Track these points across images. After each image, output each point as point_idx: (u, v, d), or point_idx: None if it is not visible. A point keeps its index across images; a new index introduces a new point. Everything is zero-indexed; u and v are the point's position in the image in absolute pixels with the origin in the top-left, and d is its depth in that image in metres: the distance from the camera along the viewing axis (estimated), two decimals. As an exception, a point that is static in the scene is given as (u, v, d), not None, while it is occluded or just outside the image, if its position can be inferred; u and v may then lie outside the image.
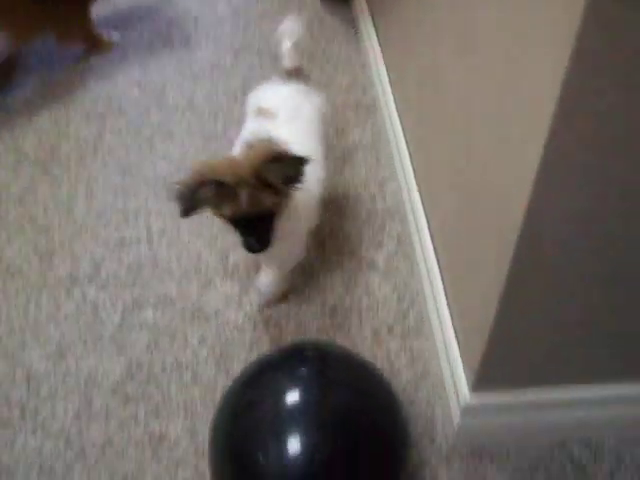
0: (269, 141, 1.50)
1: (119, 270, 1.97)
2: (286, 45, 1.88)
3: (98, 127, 2.41)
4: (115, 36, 2.75)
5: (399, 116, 2.21)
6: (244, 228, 1.54)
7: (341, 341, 1.80)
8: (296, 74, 1.89)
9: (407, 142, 2.11)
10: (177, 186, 1.44)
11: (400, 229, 2.06)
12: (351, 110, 2.46)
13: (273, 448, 1.28)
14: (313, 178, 1.63)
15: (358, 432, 1.33)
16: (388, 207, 2.12)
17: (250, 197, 1.46)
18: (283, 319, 1.86)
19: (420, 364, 1.77)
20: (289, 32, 1.89)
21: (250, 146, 1.53)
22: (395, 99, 2.27)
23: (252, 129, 1.73)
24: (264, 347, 1.80)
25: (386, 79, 2.37)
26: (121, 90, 2.55)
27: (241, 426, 1.33)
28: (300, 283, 1.93)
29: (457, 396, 1.58)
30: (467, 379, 1.55)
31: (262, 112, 1.76)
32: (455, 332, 1.65)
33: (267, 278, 1.83)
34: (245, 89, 2.49)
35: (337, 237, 2.05)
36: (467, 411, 1.55)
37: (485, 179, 1.39)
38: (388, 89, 2.33)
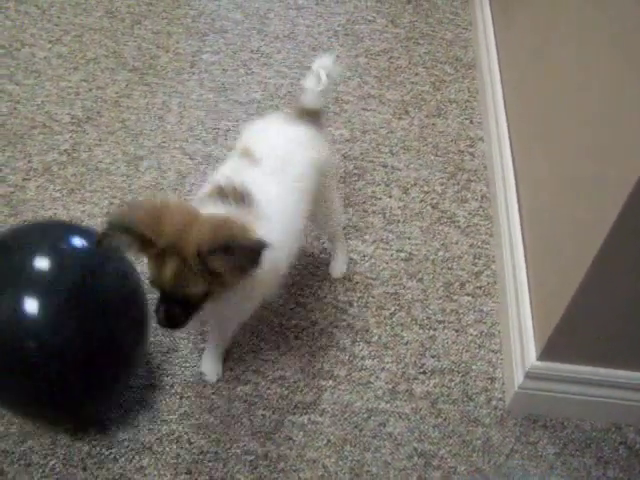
0: (226, 221, 1.22)
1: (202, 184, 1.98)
2: (317, 83, 1.56)
3: (198, 44, 2.41)
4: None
5: (501, 79, 2.17)
6: (161, 295, 1.25)
7: (412, 288, 1.81)
8: (311, 117, 1.58)
9: (506, 106, 2.08)
10: (112, 217, 1.23)
11: (485, 190, 2.05)
12: (450, 65, 2.43)
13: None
14: (281, 254, 1.36)
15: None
16: (476, 166, 2.10)
17: (177, 275, 1.18)
18: (357, 255, 1.86)
19: (487, 324, 1.76)
20: (327, 69, 1.56)
21: (217, 192, 1.33)
22: (499, 61, 2.23)
23: (230, 170, 1.43)
24: (337, 282, 1.81)
25: (492, 40, 2.33)
26: (224, 11, 2.55)
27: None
28: (379, 228, 1.93)
29: (522, 361, 1.57)
30: (535, 346, 1.55)
31: (246, 153, 1.45)
32: (530, 298, 1.64)
33: (210, 362, 1.63)
34: (347, 30, 2.48)
35: (421, 187, 2.03)
36: (530, 377, 1.55)
37: (586, 162, 1.37)
38: (493, 50, 2.29)
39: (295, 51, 2.42)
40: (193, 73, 2.31)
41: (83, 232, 1.46)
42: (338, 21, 2.54)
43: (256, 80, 2.30)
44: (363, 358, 1.69)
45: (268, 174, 1.41)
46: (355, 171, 2.06)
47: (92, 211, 1.91)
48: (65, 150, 2.05)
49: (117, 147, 2.07)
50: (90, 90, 2.23)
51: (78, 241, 1.42)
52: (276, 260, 1.32)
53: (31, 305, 1.28)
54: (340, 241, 1.83)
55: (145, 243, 1.17)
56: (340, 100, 2.25)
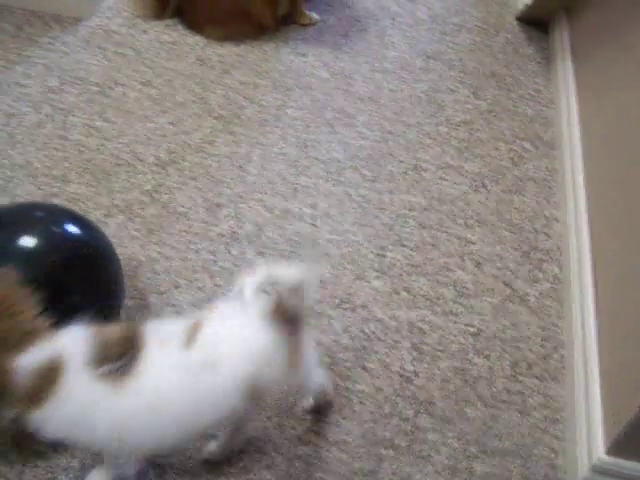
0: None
1: (279, 239, 2.01)
2: (241, 297, 1.30)
3: (283, 98, 2.46)
4: (315, 15, 2.80)
5: (583, 160, 2.17)
6: None
7: (478, 364, 1.80)
8: (285, 319, 1.31)
9: (586, 189, 2.08)
10: None
11: (558, 271, 2.03)
12: (529, 142, 2.43)
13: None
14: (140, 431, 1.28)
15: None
16: (550, 246, 2.10)
17: None
18: (426, 325, 1.86)
19: (552, 409, 1.74)
20: (257, 284, 1.30)
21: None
22: (582, 143, 2.23)
23: (164, 332, 1.31)
24: (404, 349, 1.81)
25: (575, 120, 2.33)
26: (311, 69, 2.60)
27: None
28: (450, 300, 1.93)
29: (589, 453, 1.55)
30: (604, 439, 1.52)
31: (193, 330, 1.28)
32: (601, 388, 1.61)
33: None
34: (430, 98, 2.50)
35: (494, 262, 2.03)
36: (596, 471, 1.52)
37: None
38: (576, 131, 2.29)
39: (377, 114, 2.45)
40: (276, 126, 2.35)
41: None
42: (421, 88, 2.57)
43: (337, 139, 2.33)
44: (425, 430, 1.68)
45: (183, 362, 1.26)
46: (429, 240, 2.07)
47: (169, 254, 1.95)
48: (147, 190, 2.10)
49: (197, 192, 2.11)
50: (176, 134, 2.28)
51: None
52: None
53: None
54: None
55: None
56: (419, 167, 2.26)
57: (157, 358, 1.25)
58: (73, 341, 1.25)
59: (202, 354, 1.26)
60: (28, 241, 1.52)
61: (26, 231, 1.53)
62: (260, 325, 1.28)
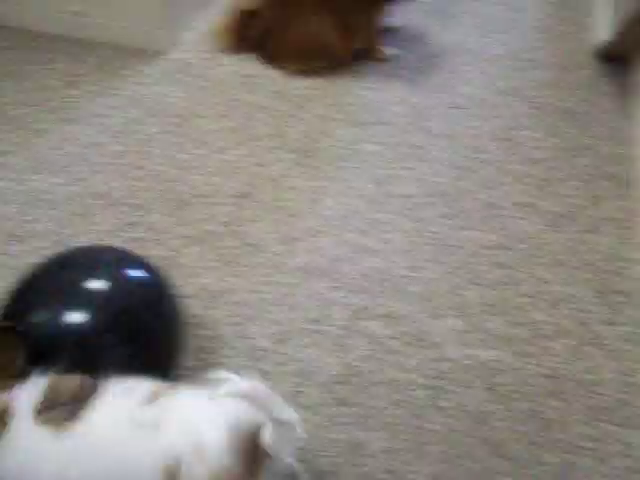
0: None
1: (353, 274, 2.02)
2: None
3: (359, 133, 2.47)
4: (391, 50, 2.82)
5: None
6: None
7: (553, 407, 1.77)
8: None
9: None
10: None
11: (637, 315, 1.99)
12: (607, 181, 2.40)
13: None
14: None
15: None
16: (629, 288, 2.05)
17: None
18: (501, 365, 1.84)
19: (633, 458, 1.70)
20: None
21: None
22: (663, 183, 2.19)
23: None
24: (478, 389, 1.79)
25: (656, 159, 2.29)
26: (386, 104, 2.61)
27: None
28: (523, 340, 1.90)
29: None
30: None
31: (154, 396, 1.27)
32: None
33: None
34: (506, 135, 2.49)
35: (570, 303, 2.00)
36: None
37: None
38: (657, 171, 2.25)
39: (453, 150, 2.44)
40: (352, 161, 2.36)
41: (139, 264, 1.64)
42: (498, 125, 2.56)
43: (413, 175, 2.33)
44: (498, 474, 1.65)
45: (129, 415, 1.24)
46: (504, 279, 2.05)
47: (244, 285, 1.97)
48: (224, 222, 2.13)
49: (273, 226, 2.13)
50: (252, 166, 2.31)
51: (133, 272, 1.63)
52: None
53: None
54: None
55: None
56: (495, 205, 2.25)
57: (106, 408, 1.25)
58: (28, 389, 1.28)
59: (151, 414, 1.23)
60: (95, 284, 1.55)
61: (93, 275, 1.57)
62: (221, 429, 1.21)
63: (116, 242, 2.03)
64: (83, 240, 2.04)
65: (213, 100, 2.57)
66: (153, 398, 1.25)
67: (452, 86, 2.72)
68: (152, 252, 2.00)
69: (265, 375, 1.77)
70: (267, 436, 1.23)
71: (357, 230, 2.14)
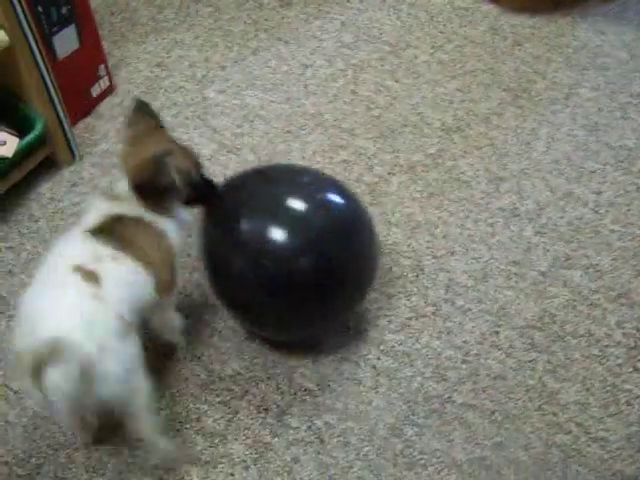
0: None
1: (559, 221, 1.97)
2: None
3: (576, 77, 2.38)
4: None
5: None
6: None
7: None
8: None
9: None
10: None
11: None
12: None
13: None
14: None
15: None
16: None
17: None
18: None
19: None
20: None
21: None
22: None
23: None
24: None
25: None
26: (609, 48, 2.48)
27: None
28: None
29: None
30: None
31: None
32: None
33: None
34: None
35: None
36: None
37: None
38: None
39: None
40: (567, 106, 2.28)
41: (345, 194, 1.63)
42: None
43: (631, 126, 2.22)
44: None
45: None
46: None
47: (447, 219, 1.97)
48: (431, 154, 2.13)
49: (481, 163, 2.10)
50: (463, 101, 2.28)
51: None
52: None
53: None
54: None
55: None
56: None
57: None
58: None
59: None
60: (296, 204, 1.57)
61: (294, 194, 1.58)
62: None
63: (324, 163, 2.08)
64: (294, 157, 2.10)
65: (427, 31, 2.54)
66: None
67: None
68: (358, 176, 2.04)
69: (462, 310, 1.78)
70: None
71: (566, 177, 2.08)
